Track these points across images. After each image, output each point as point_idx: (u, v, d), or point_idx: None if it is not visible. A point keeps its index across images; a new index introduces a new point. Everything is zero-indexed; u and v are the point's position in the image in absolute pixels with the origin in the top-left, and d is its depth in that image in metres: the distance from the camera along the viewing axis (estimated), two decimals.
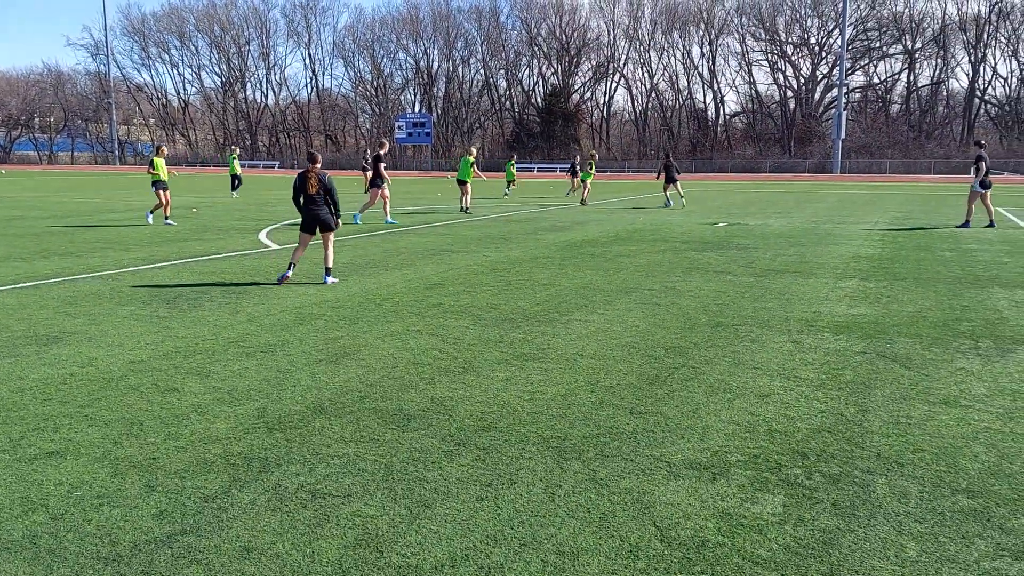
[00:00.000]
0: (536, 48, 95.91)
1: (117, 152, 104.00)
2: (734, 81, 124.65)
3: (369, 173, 20.66)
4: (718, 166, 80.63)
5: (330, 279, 9.83)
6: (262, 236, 15.67)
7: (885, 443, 4.43)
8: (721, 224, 19.02)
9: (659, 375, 5.73)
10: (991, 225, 17.76)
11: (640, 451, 4.27)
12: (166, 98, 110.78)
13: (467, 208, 22.86)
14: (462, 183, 23.26)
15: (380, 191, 18.24)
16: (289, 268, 9.87)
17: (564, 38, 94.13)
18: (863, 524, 3.47)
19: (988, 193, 17.88)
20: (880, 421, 4.79)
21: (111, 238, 14.99)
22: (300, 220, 10.01)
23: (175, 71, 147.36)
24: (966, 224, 18.00)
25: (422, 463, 4.08)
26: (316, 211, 9.79)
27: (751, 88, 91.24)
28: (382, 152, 18.35)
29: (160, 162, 18.20)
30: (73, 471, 3.93)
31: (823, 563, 3.14)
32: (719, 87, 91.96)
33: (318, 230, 9.89)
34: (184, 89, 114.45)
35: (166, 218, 18.27)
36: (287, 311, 7.98)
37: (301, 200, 9.83)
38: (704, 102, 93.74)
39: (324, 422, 4.69)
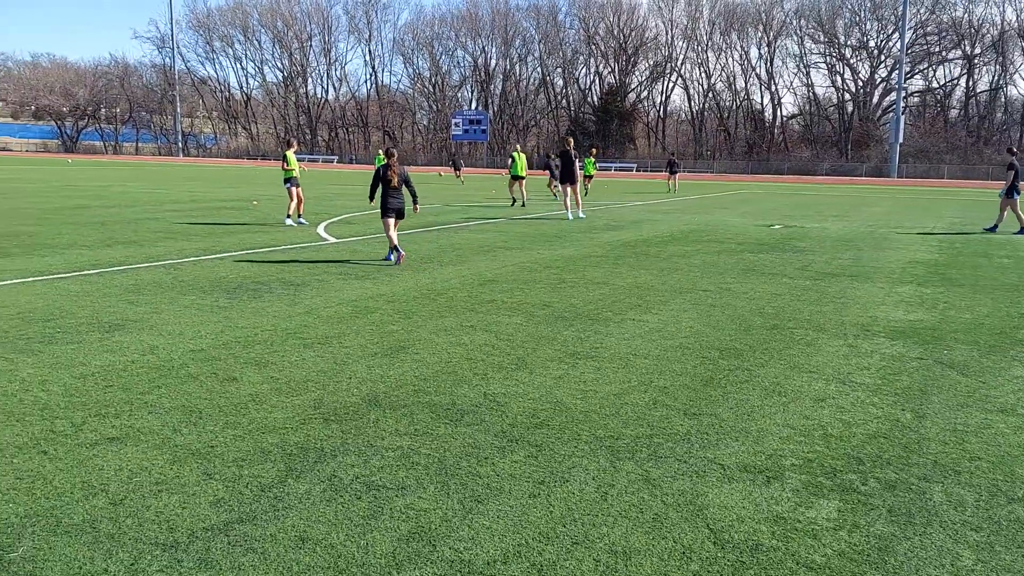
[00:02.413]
0: (593, 47, 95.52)
1: (180, 144, 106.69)
2: (791, 83, 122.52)
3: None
4: (774, 168, 79.27)
5: (392, 256, 11.16)
6: (320, 230, 15.92)
7: (942, 450, 4.33)
8: (777, 226, 18.71)
9: (713, 377, 5.66)
10: (1021, 232, 17.64)
11: (694, 453, 4.23)
12: (229, 92, 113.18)
13: (524, 203, 24.01)
14: (519, 179, 24.26)
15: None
16: (392, 252, 11.21)
17: (622, 37, 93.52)
18: (919, 532, 3.39)
19: (1017, 200, 17.81)
20: (937, 428, 4.68)
21: (174, 228, 15.38)
22: (381, 206, 11.30)
23: (238, 65, 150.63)
24: (993, 228, 18.18)
25: (475, 458, 4.10)
26: (396, 200, 11.27)
27: (809, 90, 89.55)
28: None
29: (292, 156, 17.07)
30: (133, 457, 4.04)
31: (878, 570, 3.07)
32: (776, 88, 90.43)
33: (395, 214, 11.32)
34: (247, 83, 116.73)
35: (299, 216, 17.23)
36: (344, 304, 8.10)
37: (381, 190, 11.27)
38: (761, 103, 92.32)
39: (379, 414, 4.74)
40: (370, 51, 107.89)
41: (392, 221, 11.26)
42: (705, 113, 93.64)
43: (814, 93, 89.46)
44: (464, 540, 3.25)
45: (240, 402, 4.92)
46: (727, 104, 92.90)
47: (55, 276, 9.56)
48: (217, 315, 7.47)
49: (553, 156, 30.14)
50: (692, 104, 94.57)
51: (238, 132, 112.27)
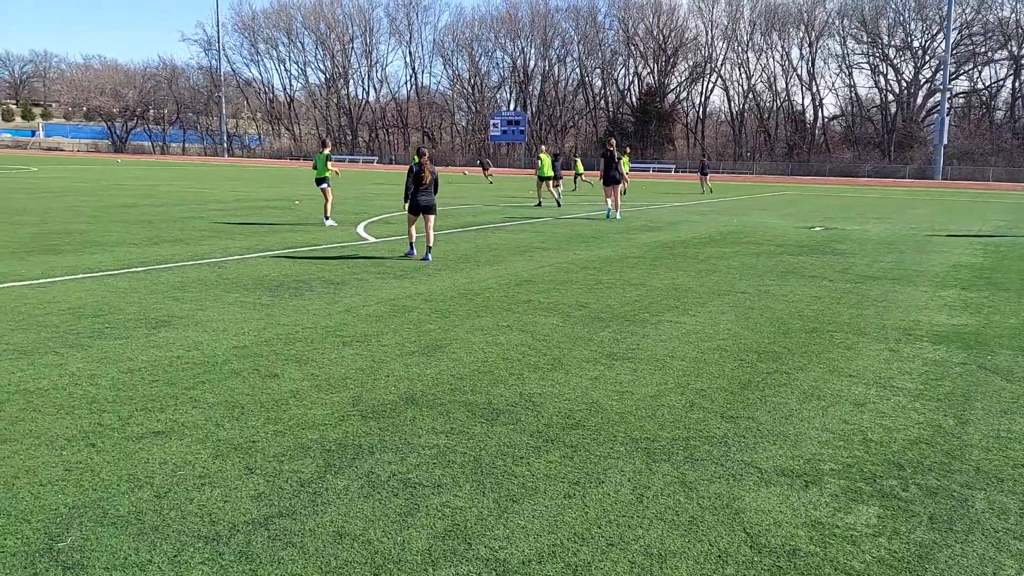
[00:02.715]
0: (632, 48, 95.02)
1: (225, 144, 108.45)
2: (833, 83, 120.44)
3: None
4: (815, 169, 78.15)
5: (431, 256, 11.52)
6: (360, 229, 16.08)
7: (985, 457, 4.25)
8: (817, 228, 18.46)
9: (751, 380, 5.62)
10: None
11: (731, 456, 4.20)
12: (273, 93, 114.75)
13: (558, 202, 24.32)
14: (551, 179, 24.72)
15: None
16: (412, 248, 11.79)
17: (661, 38, 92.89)
18: (960, 539, 3.34)
19: None
20: (980, 434, 4.60)
21: (218, 227, 15.65)
22: (410, 204, 11.64)
23: (282, 67, 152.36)
24: None
25: (510, 457, 4.12)
26: (427, 198, 11.64)
27: (851, 91, 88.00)
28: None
29: (323, 158, 16.99)
30: (177, 451, 4.14)
31: None
32: (818, 89, 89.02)
33: (422, 212, 11.65)
34: (290, 84, 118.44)
35: (326, 217, 17.04)
36: (382, 303, 8.18)
37: (413, 187, 11.56)
38: (802, 104, 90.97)
39: (416, 412, 4.79)
40: (410, 52, 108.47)
41: (418, 217, 11.68)
42: (745, 114, 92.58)
43: (856, 94, 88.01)
44: (499, 539, 3.27)
45: (281, 398, 5.01)
46: (767, 105, 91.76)
47: (105, 273, 9.80)
48: (259, 312, 7.59)
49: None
50: (732, 105, 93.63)
51: (281, 133, 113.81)
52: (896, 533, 3.39)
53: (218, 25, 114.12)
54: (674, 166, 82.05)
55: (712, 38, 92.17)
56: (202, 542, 3.20)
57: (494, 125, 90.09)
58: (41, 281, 9.13)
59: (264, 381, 5.36)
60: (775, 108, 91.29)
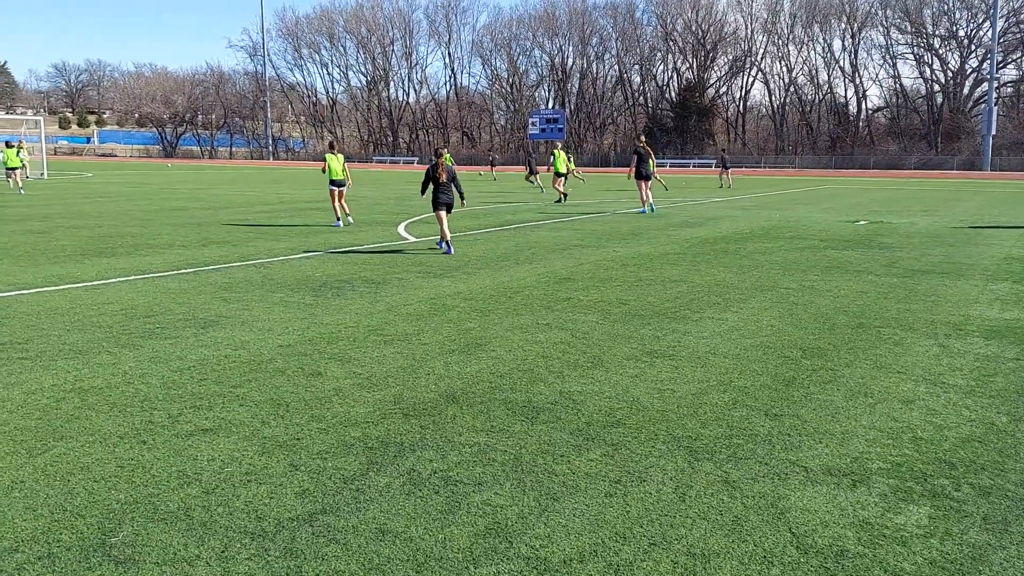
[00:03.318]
0: (671, 43, 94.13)
1: (271, 148, 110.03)
2: (877, 75, 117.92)
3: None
4: (859, 162, 76.63)
5: (452, 248, 12.21)
6: (400, 229, 16.20)
7: None
8: (862, 222, 18.11)
9: (796, 377, 5.54)
10: None
11: (775, 454, 4.14)
12: (316, 97, 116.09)
13: (565, 195, 25.28)
14: (561, 175, 25.60)
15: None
16: (443, 242, 12.30)
17: (700, 32, 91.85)
18: (1016, 540, 3.25)
19: None
20: None
21: (264, 229, 15.90)
22: (432, 201, 12.41)
23: (324, 71, 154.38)
24: None
25: (551, 456, 4.12)
26: (446, 195, 12.40)
27: (895, 82, 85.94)
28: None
29: (332, 159, 16.63)
30: (224, 448, 4.21)
31: None
32: (861, 81, 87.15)
33: (444, 209, 12.37)
34: (332, 88, 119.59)
35: (337, 218, 16.92)
36: (422, 302, 8.23)
37: (431, 186, 12.36)
38: (845, 96, 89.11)
39: (456, 411, 4.81)
40: (449, 53, 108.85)
41: (443, 214, 12.34)
42: (786, 107, 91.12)
43: (901, 85, 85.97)
44: (540, 537, 3.27)
45: (324, 396, 5.07)
46: (809, 98, 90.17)
47: (156, 274, 10.02)
48: (303, 312, 7.69)
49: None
50: (772, 98, 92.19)
51: (324, 136, 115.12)
52: (948, 534, 3.31)
53: (263, 31, 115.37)
54: (714, 161, 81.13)
55: (752, 31, 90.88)
56: (248, 538, 3.26)
57: (533, 123, 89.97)
58: (96, 283, 9.36)
59: (308, 379, 5.43)
60: (817, 101, 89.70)
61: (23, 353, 6.07)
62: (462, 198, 12.74)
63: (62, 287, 9.07)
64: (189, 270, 10.45)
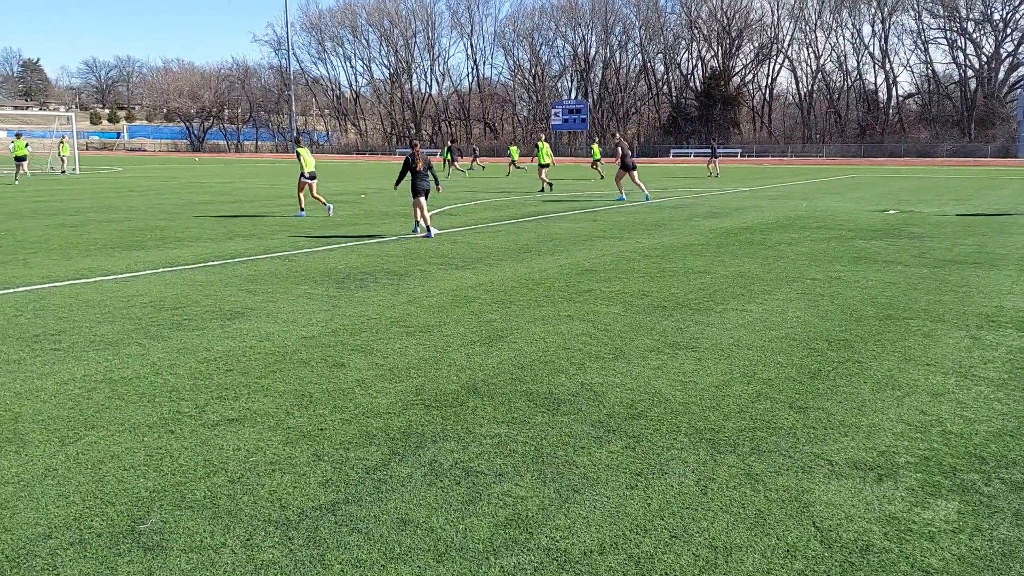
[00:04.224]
0: (696, 31, 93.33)
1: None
2: (908, 61, 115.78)
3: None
4: (889, 150, 75.54)
5: (434, 231, 13.37)
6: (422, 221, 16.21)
7: None
8: (891, 212, 17.87)
9: (821, 369, 5.48)
10: None
11: (799, 447, 4.11)
12: (339, 90, 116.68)
13: (550, 185, 26.31)
14: (545, 166, 26.92)
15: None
16: (416, 227, 13.65)
17: (725, 20, 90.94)
18: None
19: None
20: None
21: (289, 222, 16.01)
22: (412, 189, 13.36)
23: (347, 64, 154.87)
24: None
25: (572, 447, 4.12)
26: (424, 183, 13.42)
27: (927, 68, 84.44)
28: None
29: (305, 153, 16.98)
30: (250, 438, 4.26)
31: None
32: (891, 67, 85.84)
33: (423, 195, 13.36)
34: (355, 81, 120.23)
35: (301, 209, 17.49)
36: (444, 293, 8.25)
37: (408, 174, 13.49)
38: (875, 83, 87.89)
39: (477, 402, 4.82)
40: (471, 45, 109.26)
41: (423, 200, 13.39)
42: (814, 95, 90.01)
43: (933, 70, 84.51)
44: (560, 529, 3.27)
45: (347, 387, 5.10)
46: (837, 85, 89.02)
47: (183, 267, 10.14)
48: (327, 304, 7.74)
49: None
50: (800, 86, 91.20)
51: (348, 129, 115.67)
52: (978, 530, 3.26)
53: (287, 25, 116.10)
54: (740, 151, 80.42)
55: (778, 18, 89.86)
56: (272, 527, 3.29)
57: (555, 114, 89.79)
58: (125, 275, 9.49)
59: (331, 370, 5.47)
60: (845, 88, 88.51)
61: (56, 344, 6.17)
62: (437, 185, 13.72)
63: (93, 280, 9.20)
64: (216, 262, 10.56)
